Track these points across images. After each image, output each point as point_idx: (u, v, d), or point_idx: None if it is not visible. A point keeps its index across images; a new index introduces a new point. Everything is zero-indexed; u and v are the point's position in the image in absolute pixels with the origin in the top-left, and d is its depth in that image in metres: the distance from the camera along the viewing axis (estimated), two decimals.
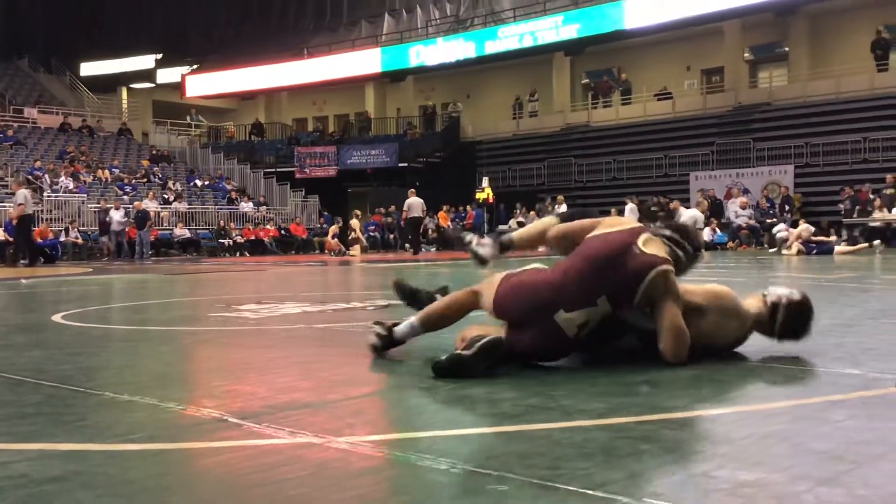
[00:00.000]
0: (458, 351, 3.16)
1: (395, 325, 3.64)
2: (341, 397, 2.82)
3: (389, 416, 2.70)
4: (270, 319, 5.56)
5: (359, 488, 1.80)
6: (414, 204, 22.40)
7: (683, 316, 3.32)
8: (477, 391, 2.95)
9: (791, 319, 3.42)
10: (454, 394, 2.86)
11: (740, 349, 3.52)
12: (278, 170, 31.60)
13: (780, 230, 18.80)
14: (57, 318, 5.77)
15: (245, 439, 2.24)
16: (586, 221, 3.63)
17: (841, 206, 21.61)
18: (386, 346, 3.60)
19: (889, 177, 20.94)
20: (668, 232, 3.50)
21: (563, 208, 25.65)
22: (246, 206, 28.33)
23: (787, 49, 28.16)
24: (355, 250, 23.82)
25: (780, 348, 3.51)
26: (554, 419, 2.44)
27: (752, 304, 3.52)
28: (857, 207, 20.90)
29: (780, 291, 3.49)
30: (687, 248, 3.48)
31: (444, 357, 3.10)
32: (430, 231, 27.63)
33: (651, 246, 3.38)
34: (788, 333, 3.45)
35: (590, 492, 1.72)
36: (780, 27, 27.51)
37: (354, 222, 24.57)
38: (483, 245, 3.94)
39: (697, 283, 3.58)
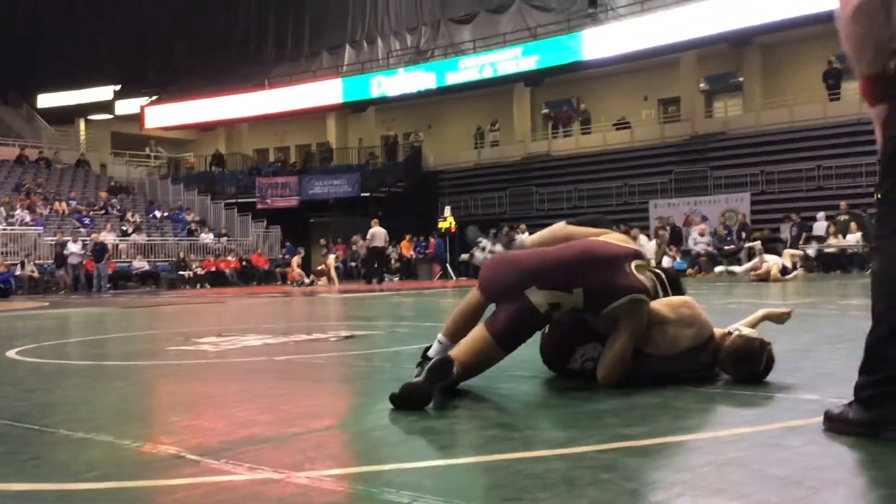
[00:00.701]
0: (411, 380, 3.17)
1: (428, 348, 3.65)
2: (302, 431, 2.79)
3: (351, 450, 2.67)
4: (231, 352, 5.50)
5: None
6: (378, 234, 22.52)
7: (648, 329, 3.47)
8: (438, 423, 2.94)
9: (739, 357, 3.48)
10: (416, 425, 2.85)
11: (701, 378, 3.56)
12: (239, 200, 31.41)
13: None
14: (11, 353, 5.65)
15: (203, 476, 2.20)
16: (595, 230, 3.74)
17: (786, 234, 21.97)
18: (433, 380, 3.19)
19: (843, 203, 21.38)
20: (659, 270, 3.74)
21: (526, 236, 25.81)
22: (206, 238, 28.09)
23: (741, 79, 28.76)
24: (322, 281, 23.72)
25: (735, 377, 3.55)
26: (515, 449, 2.44)
27: (717, 331, 3.62)
28: (804, 234, 21.30)
29: (742, 330, 3.56)
30: (668, 291, 3.67)
31: (399, 388, 3.09)
32: (393, 260, 27.61)
33: (640, 272, 3.53)
34: (739, 376, 3.51)
35: None
36: (734, 58, 28.11)
37: (331, 260, 24.26)
38: (492, 251, 3.98)
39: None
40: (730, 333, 3.57)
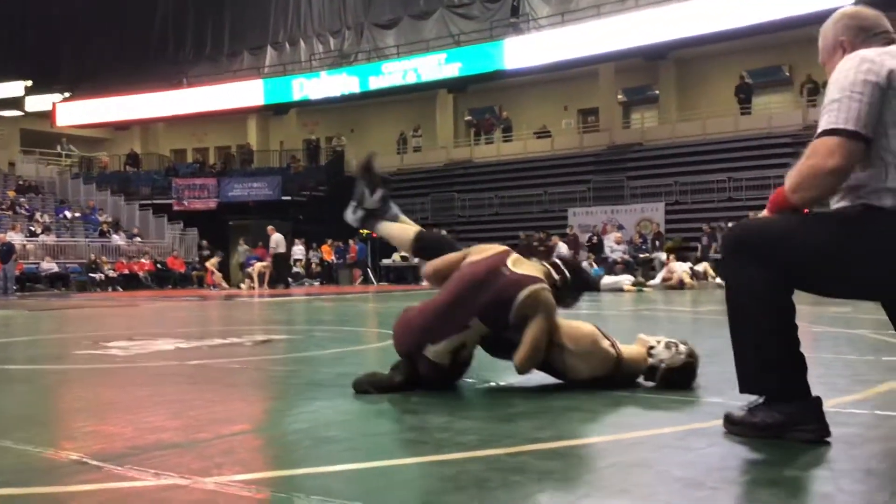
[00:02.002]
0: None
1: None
2: (211, 436, 2.74)
3: (261, 455, 2.63)
4: (141, 356, 5.36)
5: None
6: (280, 240, 23.60)
7: (548, 348, 3.45)
8: (353, 427, 2.93)
9: (668, 382, 3.51)
10: (328, 430, 2.83)
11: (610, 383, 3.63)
12: (155, 202, 30.65)
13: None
14: None
15: (105, 482, 2.14)
16: (456, 255, 3.72)
17: (698, 244, 22.60)
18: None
19: (751, 214, 22.00)
20: (552, 260, 3.69)
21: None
22: (119, 239, 27.32)
23: (657, 92, 29.53)
24: (245, 284, 23.38)
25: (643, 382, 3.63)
26: (427, 453, 2.45)
27: (633, 349, 3.60)
28: (714, 245, 21.93)
29: (662, 356, 3.53)
30: (566, 276, 3.60)
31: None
32: (313, 265, 27.36)
33: (522, 266, 3.53)
34: (670, 388, 3.53)
35: None
36: (650, 71, 28.83)
37: (261, 265, 23.89)
38: (358, 210, 4.13)
39: (569, 320, 3.67)
40: (649, 351, 3.55)
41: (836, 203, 2.45)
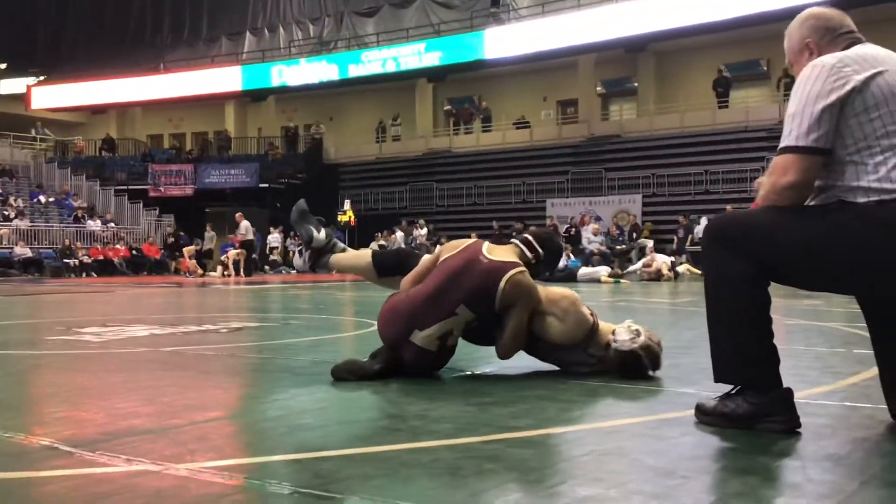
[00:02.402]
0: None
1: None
2: (185, 422, 2.72)
3: (234, 441, 2.62)
4: (115, 343, 5.32)
5: None
6: (249, 227, 23.56)
7: (530, 319, 3.61)
8: (328, 414, 2.93)
9: (621, 367, 3.56)
10: (303, 418, 2.82)
11: (585, 373, 3.65)
12: (130, 187, 30.37)
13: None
14: None
15: (76, 468, 2.12)
16: (428, 259, 3.79)
17: (675, 236, 22.76)
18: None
19: (728, 207, 22.27)
20: (522, 237, 3.77)
21: (424, 231, 25.93)
22: (94, 225, 27.04)
23: (636, 84, 29.61)
24: (217, 272, 23.18)
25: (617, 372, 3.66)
26: (402, 440, 2.45)
27: (610, 326, 3.70)
28: (690, 237, 22.10)
29: (619, 337, 3.59)
30: (538, 252, 3.69)
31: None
32: (291, 253, 27.21)
33: (497, 252, 3.62)
34: (625, 375, 3.57)
35: None
36: (629, 63, 28.90)
37: (233, 254, 23.71)
38: (305, 251, 4.10)
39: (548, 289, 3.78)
40: (614, 332, 3.63)
41: (813, 201, 2.49)
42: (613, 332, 3.64)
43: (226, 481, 2.00)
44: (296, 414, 2.88)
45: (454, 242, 3.77)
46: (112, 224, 27.74)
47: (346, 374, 3.54)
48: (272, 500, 1.85)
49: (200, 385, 3.59)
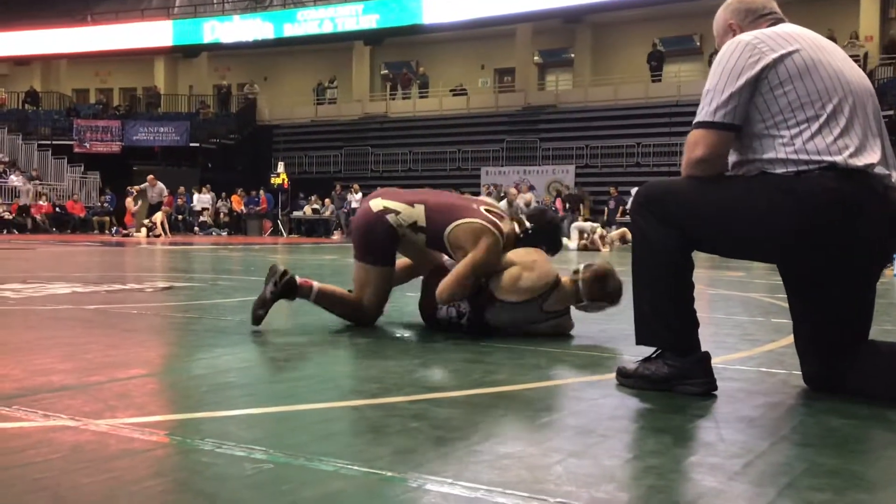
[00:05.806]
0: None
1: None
2: (105, 379, 2.67)
3: (157, 398, 2.58)
4: (34, 299, 5.17)
5: (114, 471, 1.72)
6: (161, 190, 22.76)
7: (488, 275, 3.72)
8: (253, 373, 2.91)
9: (589, 292, 3.75)
10: (227, 376, 2.80)
11: (512, 336, 3.70)
12: (54, 142, 29.40)
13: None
14: None
15: None
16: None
17: (605, 207, 23.09)
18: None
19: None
20: (519, 217, 4.05)
21: (358, 196, 25.73)
22: (16, 180, 26.14)
23: (572, 55, 29.78)
24: (142, 232, 22.60)
25: (545, 336, 3.73)
26: (328, 399, 2.45)
27: (569, 280, 3.81)
28: (621, 208, 22.45)
29: (580, 269, 3.82)
30: (526, 226, 3.92)
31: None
32: (222, 214, 26.80)
33: (492, 212, 3.86)
34: (596, 296, 3.76)
35: (356, 467, 1.74)
36: (566, 34, 29.03)
37: (159, 215, 23.07)
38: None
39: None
40: (577, 272, 3.79)
41: (735, 171, 2.56)
42: (575, 271, 3.80)
43: (147, 437, 1.98)
44: (220, 373, 2.85)
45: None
46: (35, 181, 26.84)
47: (260, 313, 3.74)
48: (193, 456, 1.83)
49: (123, 343, 3.52)
